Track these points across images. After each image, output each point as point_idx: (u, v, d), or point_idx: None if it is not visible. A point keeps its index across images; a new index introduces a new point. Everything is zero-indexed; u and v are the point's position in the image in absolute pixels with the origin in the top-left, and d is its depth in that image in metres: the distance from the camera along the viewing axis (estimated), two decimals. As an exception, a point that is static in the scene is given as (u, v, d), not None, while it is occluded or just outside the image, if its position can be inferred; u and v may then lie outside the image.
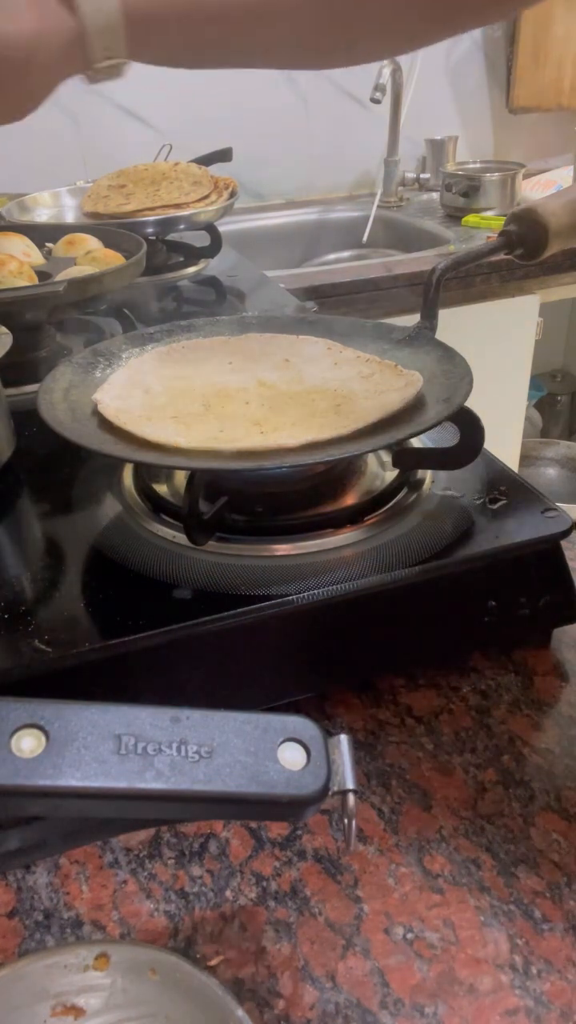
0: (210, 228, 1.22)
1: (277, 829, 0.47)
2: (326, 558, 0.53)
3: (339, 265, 1.63)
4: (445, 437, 0.62)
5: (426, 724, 0.53)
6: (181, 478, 0.60)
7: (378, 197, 1.80)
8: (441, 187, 1.72)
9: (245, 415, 0.58)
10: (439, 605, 0.55)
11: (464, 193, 1.66)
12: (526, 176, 1.71)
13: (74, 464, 0.65)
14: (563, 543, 0.55)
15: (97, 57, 0.47)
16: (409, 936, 0.41)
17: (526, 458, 1.99)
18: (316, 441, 0.52)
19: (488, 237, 1.54)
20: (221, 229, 1.24)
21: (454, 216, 1.68)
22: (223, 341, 0.69)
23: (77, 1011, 0.36)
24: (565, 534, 0.54)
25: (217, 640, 0.49)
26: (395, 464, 0.60)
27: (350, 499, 0.58)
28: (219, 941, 0.41)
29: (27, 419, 0.62)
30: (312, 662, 0.53)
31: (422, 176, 1.91)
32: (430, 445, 0.63)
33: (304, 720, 0.33)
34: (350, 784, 0.32)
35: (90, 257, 0.95)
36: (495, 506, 0.57)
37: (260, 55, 0.53)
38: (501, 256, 0.66)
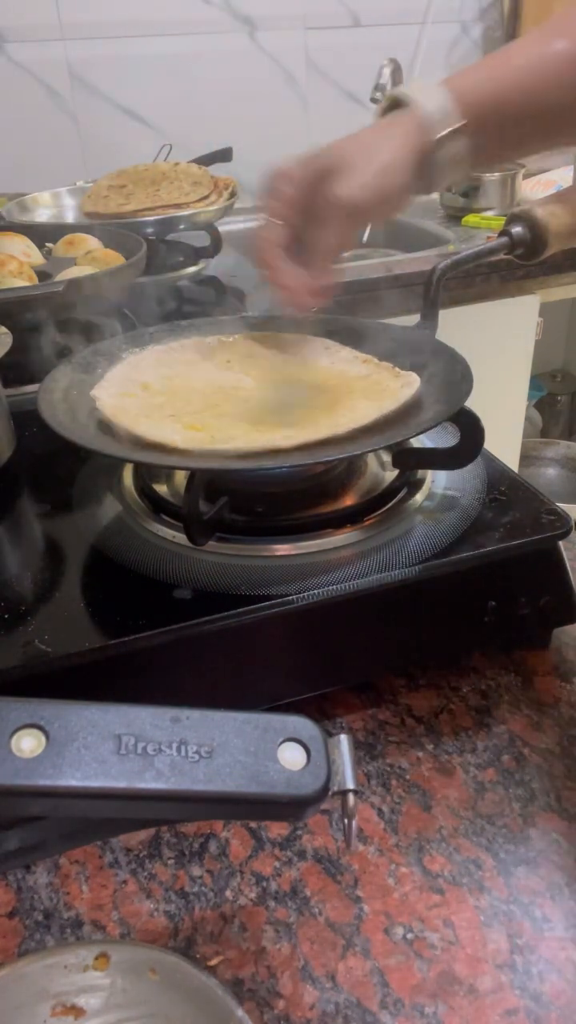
0: (210, 228, 1.22)
1: (277, 829, 0.47)
2: (326, 558, 0.53)
3: (339, 265, 1.63)
4: (445, 437, 0.62)
5: (426, 724, 0.53)
6: (181, 478, 0.60)
7: (378, 197, 1.80)
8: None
9: (244, 414, 0.58)
10: (439, 605, 0.55)
11: (464, 193, 1.65)
12: (526, 176, 1.71)
13: (74, 464, 0.65)
14: (563, 543, 0.55)
15: (438, 135, 0.55)
16: (409, 936, 0.41)
17: (526, 458, 1.99)
18: (316, 441, 0.52)
19: (488, 237, 1.54)
20: (221, 229, 1.24)
21: (454, 216, 1.68)
22: (220, 340, 0.69)
23: (77, 1011, 0.36)
24: (565, 534, 0.54)
25: (217, 640, 0.49)
26: (395, 464, 0.60)
27: (350, 499, 0.58)
28: (219, 941, 0.41)
29: (27, 419, 0.62)
30: (312, 662, 0.53)
31: (422, 176, 1.91)
32: (430, 445, 0.63)
33: (304, 720, 0.33)
34: (350, 784, 0.32)
35: (90, 257, 0.95)
36: (495, 506, 0.57)
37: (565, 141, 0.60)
38: (501, 256, 0.66)
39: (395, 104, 0.57)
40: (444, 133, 0.54)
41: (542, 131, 0.58)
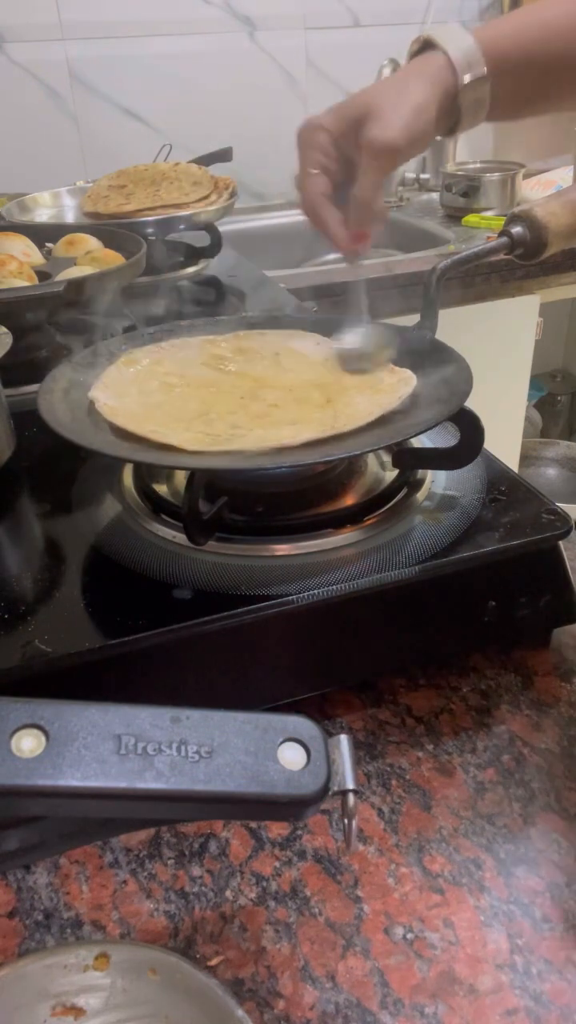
0: (210, 228, 1.22)
1: (277, 829, 0.47)
2: (326, 558, 0.53)
3: (339, 265, 1.63)
4: (445, 437, 0.62)
5: (426, 724, 0.53)
6: (181, 478, 0.60)
7: (378, 197, 1.80)
8: (441, 187, 1.72)
9: (241, 412, 0.58)
10: (439, 605, 0.55)
11: (464, 193, 1.66)
12: (526, 176, 1.71)
13: (74, 464, 0.65)
14: (563, 543, 0.55)
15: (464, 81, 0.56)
16: (409, 936, 0.41)
17: (526, 458, 1.99)
18: (315, 440, 0.52)
19: (488, 237, 1.54)
20: (221, 229, 1.23)
21: (454, 216, 1.68)
22: (211, 339, 0.69)
23: (77, 1011, 0.36)
24: (565, 534, 0.54)
25: (217, 640, 0.49)
26: (395, 464, 0.60)
27: (350, 499, 0.58)
28: (219, 941, 0.41)
29: (27, 419, 0.62)
30: (312, 662, 0.53)
31: (422, 176, 1.91)
32: (430, 445, 0.63)
33: (304, 720, 0.33)
34: (350, 784, 0.32)
35: (90, 257, 0.95)
36: (495, 506, 0.57)
37: None
38: (501, 256, 0.66)
39: (425, 46, 0.58)
40: (469, 78, 0.56)
41: (566, 86, 0.59)
